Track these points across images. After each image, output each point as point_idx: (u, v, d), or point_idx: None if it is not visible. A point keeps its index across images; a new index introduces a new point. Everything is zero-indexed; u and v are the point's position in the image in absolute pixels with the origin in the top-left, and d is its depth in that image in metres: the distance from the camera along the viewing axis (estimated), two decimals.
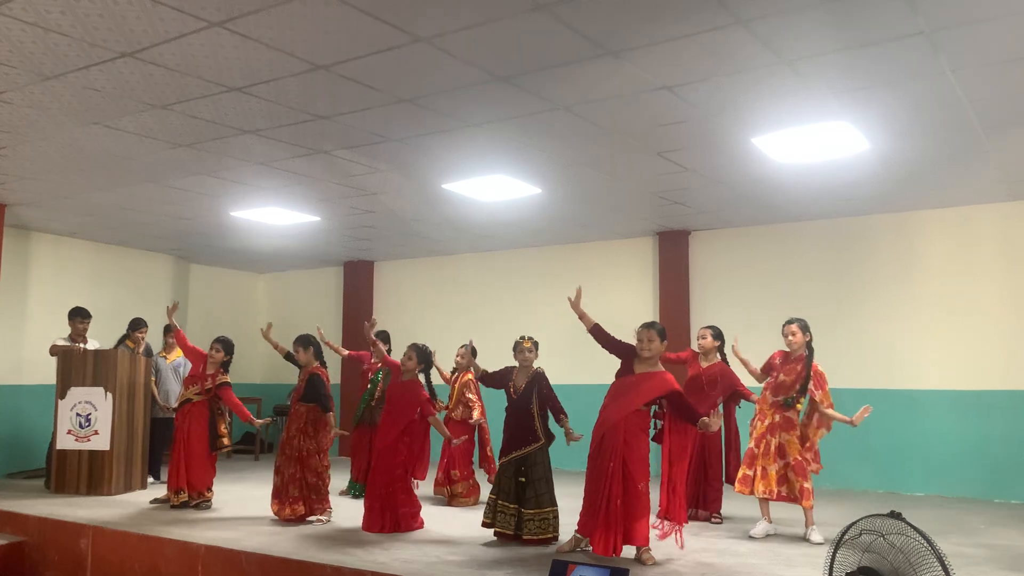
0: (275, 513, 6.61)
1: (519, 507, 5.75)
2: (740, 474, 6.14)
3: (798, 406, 6.07)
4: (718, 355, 6.85)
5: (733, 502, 7.07)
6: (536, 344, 6.09)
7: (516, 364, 6.09)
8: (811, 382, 6.01)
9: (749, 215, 8.97)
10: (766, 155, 6.47)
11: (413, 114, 5.60)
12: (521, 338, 6.12)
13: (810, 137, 6.02)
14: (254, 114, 5.64)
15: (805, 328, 6.17)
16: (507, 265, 11.22)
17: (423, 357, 6.46)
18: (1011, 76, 4.92)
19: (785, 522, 6.45)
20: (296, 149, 6.48)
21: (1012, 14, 4.09)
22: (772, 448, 6.01)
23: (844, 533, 3.92)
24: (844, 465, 8.53)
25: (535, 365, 6.04)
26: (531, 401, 5.86)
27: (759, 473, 6.02)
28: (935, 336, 8.45)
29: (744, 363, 6.54)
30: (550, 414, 5.91)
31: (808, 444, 6.07)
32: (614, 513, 5.17)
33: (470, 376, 7.59)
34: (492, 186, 7.57)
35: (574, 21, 4.17)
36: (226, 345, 7.37)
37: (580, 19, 4.14)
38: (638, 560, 5.19)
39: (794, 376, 6.08)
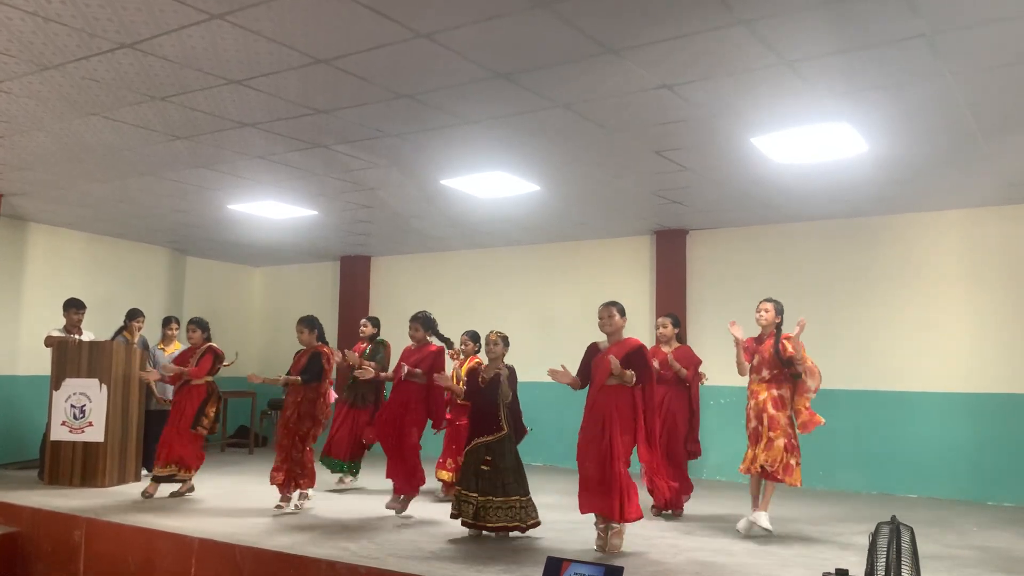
0: (271, 481, 6.82)
1: (478, 495, 5.81)
2: (749, 455, 6.13)
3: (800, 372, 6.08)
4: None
5: (728, 501, 7.08)
6: (504, 338, 6.17)
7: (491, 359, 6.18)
8: (783, 346, 6.08)
9: (747, 215, 8.97)
10: (765, 155, 6.47)
11: (412, 110, 5.59)
12: (489, 332, 6.28)
13: (809, 138, 6.02)
14: (253, 107, 5.63)
15: (780, 310, 6.26)
16: (504, 262, 11.21)
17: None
18: (1010, 79, 4.92)
19: (778, 520, 6.46)
20: (294, 143, 6.46)
21: (1012, 17, 4.10)
22: (765, 422, 6.05)
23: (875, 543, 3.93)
24: (837, 467, 8.57)
25: (506, 360, 6.14)
26: (496, 392, 5.97)
27: (760, 448, 6.05)
28: (931, 338, 8.46)
29: (737, 343, 6.37)
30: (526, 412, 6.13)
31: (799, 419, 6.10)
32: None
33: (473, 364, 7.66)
34: (490, 183, 7.56)
35: (575, 19, 4.16)
36: (200, 324, 7.64)
37: (581, 17, 4.14)
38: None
39: (768, 353, 6.17)
